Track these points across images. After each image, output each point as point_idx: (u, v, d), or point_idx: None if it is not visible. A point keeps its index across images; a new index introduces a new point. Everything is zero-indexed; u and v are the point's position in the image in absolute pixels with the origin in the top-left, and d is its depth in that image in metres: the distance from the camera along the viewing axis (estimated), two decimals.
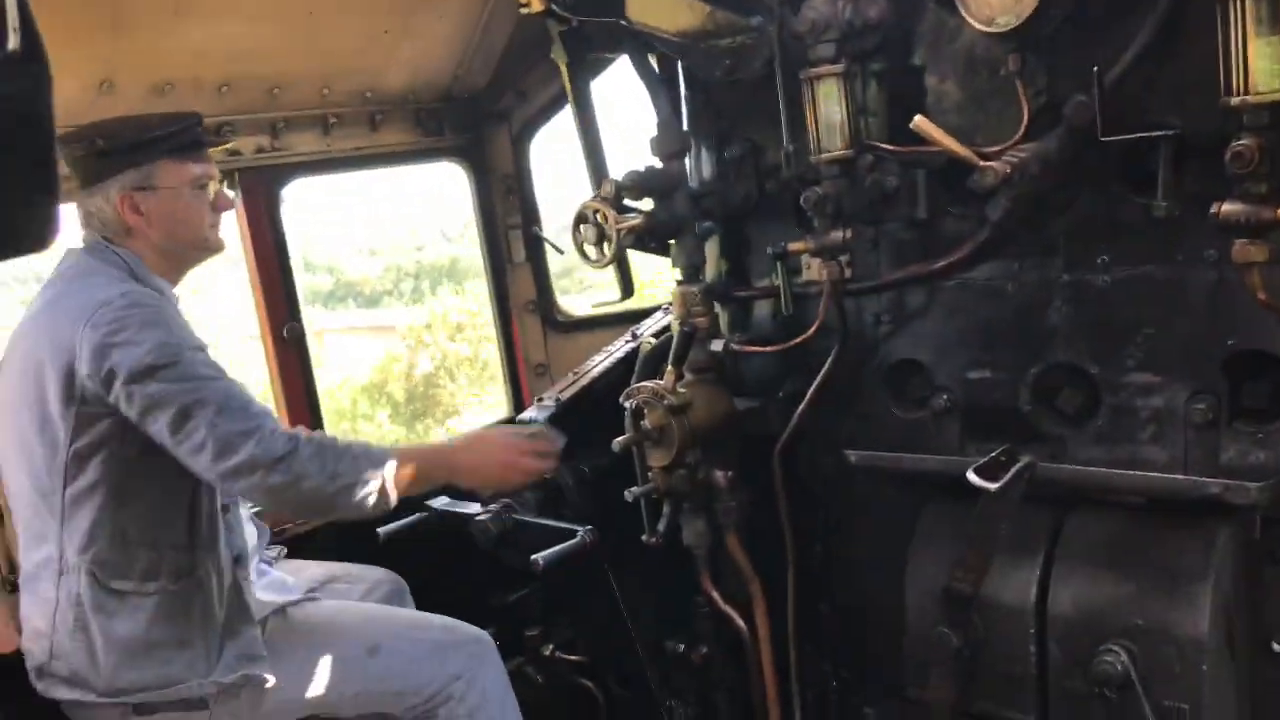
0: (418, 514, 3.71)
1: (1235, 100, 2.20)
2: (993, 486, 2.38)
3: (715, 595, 3.38)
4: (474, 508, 3.65)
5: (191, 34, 3.14)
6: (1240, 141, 2.19)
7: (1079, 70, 2.54)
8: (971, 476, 2.41)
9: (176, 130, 2.69)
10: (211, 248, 2.83)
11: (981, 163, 2.54)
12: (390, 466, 2.64)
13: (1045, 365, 2.81)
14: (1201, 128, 2.38)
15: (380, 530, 3.61)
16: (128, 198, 2.64)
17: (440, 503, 3.75)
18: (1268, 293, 2.32)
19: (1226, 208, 2.24)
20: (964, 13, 2.54)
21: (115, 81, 3.07)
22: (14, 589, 3.03)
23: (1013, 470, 2.42)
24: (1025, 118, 2.63)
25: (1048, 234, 2.75)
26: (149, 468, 2.58)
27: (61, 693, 2.62)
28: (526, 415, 3.79)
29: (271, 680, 2.72)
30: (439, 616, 3.11)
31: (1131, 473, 2.60)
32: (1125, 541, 2.66)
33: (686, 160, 3.36)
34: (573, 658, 3.73)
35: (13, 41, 0.76)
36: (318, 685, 2.80)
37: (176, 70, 3.21)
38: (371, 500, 2.62)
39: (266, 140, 3.61)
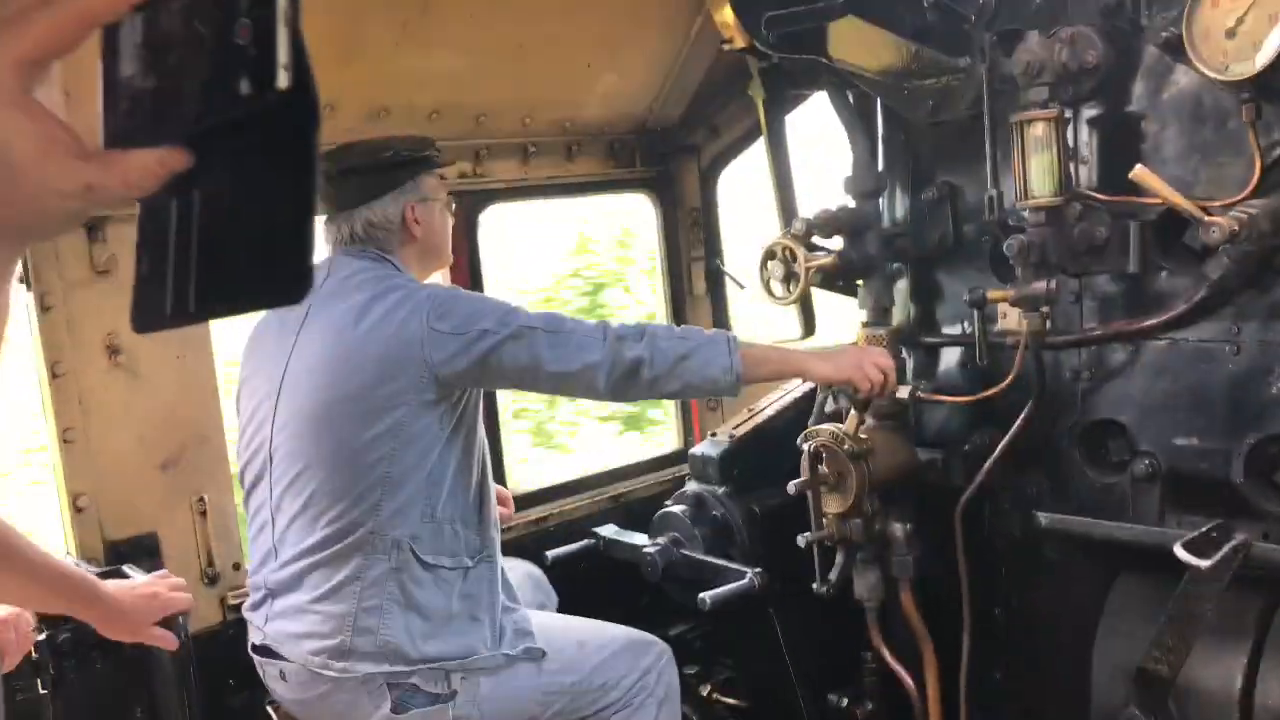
0: (585, 540, 3.75)
1: None
2: (1203, 564, 2.21)
3: (885, 651, 3.27)
4: (641, 539, 3.66)
5: (408, 63, 3.29)
6: None
7: None
8: (1180, 551, 2.25)
9: (433, 149, 3.01)
10: (448, 260, 3.14)
11: (1206, 217, 2.39)
12: (736, 341, 2.84)
13: (1263, 436, 2.61)
14: None
15: (548, 554, 3.65)
16: (412, 207, 2.91)
17: (608, 531, 3.77)
18: None
19: None
20: (1194, 60, 2.41)
21: (337, 106, 3.24)
22: (213, 582, 3.22)
23: (1225, 548, 2.25)
24: (1257, 171, 2.47)
25: (1275, 296, 2.56)
26: (454, 450, 2.80)
27: (367, 667, 2.71)
28: (698, 450, 3.78)
29: (547, 652, 2.91)
30: (619, 626, 3.19)
31: None
32: None
33: (880, 200, 3.30)
34: (731, 700, 3.67)
35: (283, 80, 0.76)
36: (546, 674, 2.92)
37: (393, 97, 3.37)
38: (720, 364, 2.79)
39: (469, 166, 3.74)
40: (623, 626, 3.19)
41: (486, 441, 3.05)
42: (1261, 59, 2.32)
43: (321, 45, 3.08)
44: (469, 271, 3.79)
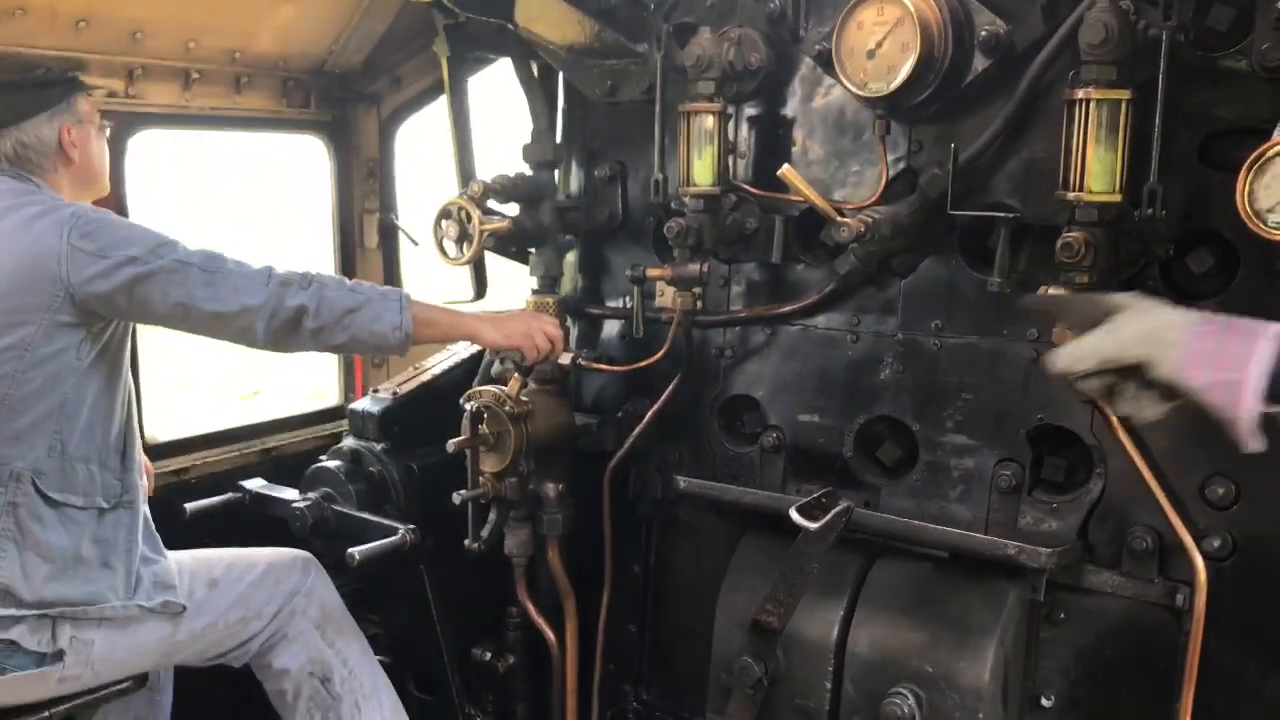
0: (230, 494, 3.58)
1: (1070, 195, 2.39)
2: (812, 526, 2.48)
3: (529, 606, 3.38)
4: (291, 493, 3.55)
5: None
6: (1070, 233, 2.38)
7: (938, 144, 2.71)
8: (793, 514, 2.51)
9: (82, 70, 2.90)
10: (104, 188, 2.98)
11: (838, 218, 2.66)
12: (408, 300, 2.79)
13: (871, 416, 2.95)
14: (1039, 215, 2.57)
15: (187, 506, 3.45)
16: (68, 129, 2.74)
17: (255, 484, 3.62)
18: None
19: (1052, 292, 2.42)
20: (839, 74, 2.66)
21: None
22: None
23: (832, 512, 2.52)
24: (883, 181, 2.78)
25: (889, 293, 2.90)
26: (92, 383, 2.63)
27: None
28: (358, 406, 3.71)
29: (187, 607, 2.82)
30: (261, 548, 3.18)
31: (938, 526, 2.76)
32: (924, 591, 2.81)
33: (556, 172, 3.38)
34: (377, 658, 3.64)
35: None
36: (171, 625, 2.83)
37: None
38: (390, 322, 2.73)
39: (120, 85, 3.42)
40: (263, 550, 3.17)
41: (133, 383, 2.87)
42: (895, 81, 2.60)
43: None
44: (114, 200, 3.48)
